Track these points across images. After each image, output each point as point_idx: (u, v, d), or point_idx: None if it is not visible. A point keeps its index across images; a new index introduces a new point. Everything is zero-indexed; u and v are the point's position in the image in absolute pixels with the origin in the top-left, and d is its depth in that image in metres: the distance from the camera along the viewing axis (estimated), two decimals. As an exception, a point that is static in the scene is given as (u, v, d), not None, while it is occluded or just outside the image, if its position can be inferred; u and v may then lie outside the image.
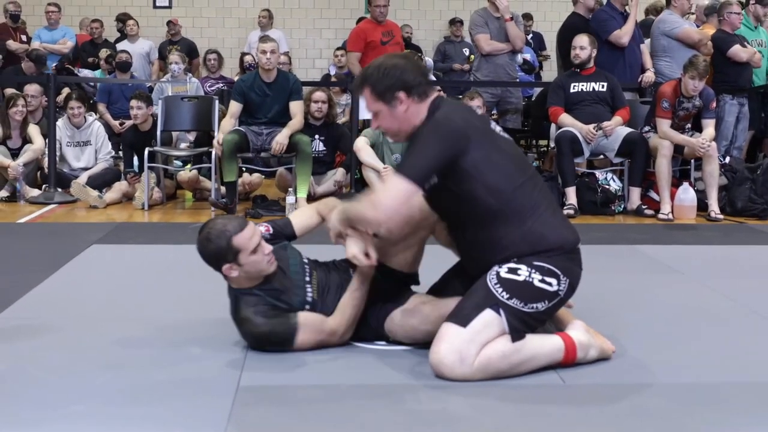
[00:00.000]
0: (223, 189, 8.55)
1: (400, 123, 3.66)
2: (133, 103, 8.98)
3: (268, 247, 3.76)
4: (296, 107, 8.38)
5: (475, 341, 3.45)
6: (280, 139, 8.13)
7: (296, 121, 8.33)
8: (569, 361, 3.60)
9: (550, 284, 3.56)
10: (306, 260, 3.98)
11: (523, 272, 3.54)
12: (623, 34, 8.94)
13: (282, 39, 13.71)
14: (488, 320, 3.48)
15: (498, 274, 3.55)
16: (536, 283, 3.54)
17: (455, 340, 3.46)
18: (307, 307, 3.82)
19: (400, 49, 9.92)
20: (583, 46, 8.48)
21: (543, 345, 3.57)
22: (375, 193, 3.60)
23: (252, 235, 3.70)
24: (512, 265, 3.56)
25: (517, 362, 3.50)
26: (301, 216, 4.14)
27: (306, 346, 3.77)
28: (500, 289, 3.51)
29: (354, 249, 3.70)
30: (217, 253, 3.70)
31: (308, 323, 3.76)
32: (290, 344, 3.74)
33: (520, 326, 3.51)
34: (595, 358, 3.66)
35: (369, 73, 3.67)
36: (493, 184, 3.54)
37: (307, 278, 3.89)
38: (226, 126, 8.32)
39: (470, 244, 3.71)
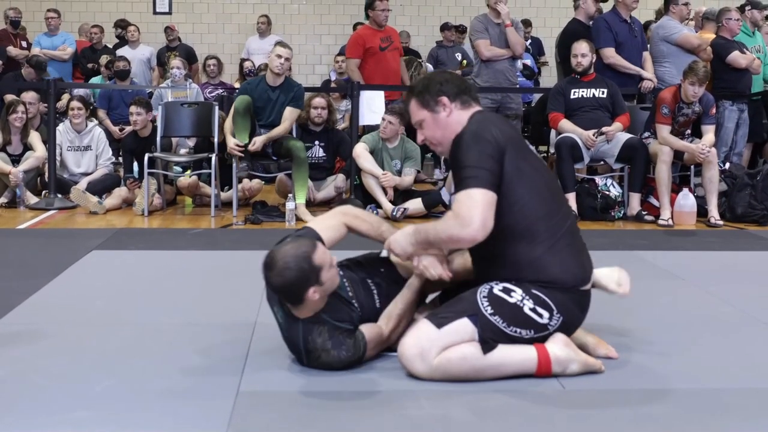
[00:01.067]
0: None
1: (443, 130, 3.69)
2: (133, 109, 8.99)
3: (335, 259, 3.65)
4: (290, 113, 8.38)
5: (439, 342, 3.50)
6: (258, 138, 8.20)
7: (282, 128, 8.32)
8: (543, 373, 3.56)
9: (540, 315, 3.55)
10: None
11: (516, 295, 3.54)
12: (609, 57, 8.94)
13: None
14: (461, 327, 3.50)
15: (491, 289, 3.56)
16: (526, 309, 3.53)
17: (422, 336, 3.52)
18: (356, 305, 3.77)
19: (399, 55, 9.93)
20: (584, 53, 8.48)
21: (512, 354, 3.54)
22: (456, 211, 3.48)
23: (325, 249, 3.60)
24: (508, 285, 3.56)
25: (481, 367, 3.50)
26: (328, 230, 3.88)
27: (370, 358, 3.74)
28: (486, 303, 3.52)
29: (437, 270, 3.67)
30: (302, 278, 3.50)
31: (373, 339, 3.69)
32: (362, 362, 3.68)
33: (495, 340, 3.51)
34: (577, 372, 3.60)
35: (414, 85, 3.85)
36: (520, 200, 3.54)
37: (349, 291, 3.81)
38: (229, 125, 8.32)
39: (479, 253, 3.70)
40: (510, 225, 3.53)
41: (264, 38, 13.66)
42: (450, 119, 3.67)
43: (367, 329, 3.70)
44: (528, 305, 3.53)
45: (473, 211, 3.41)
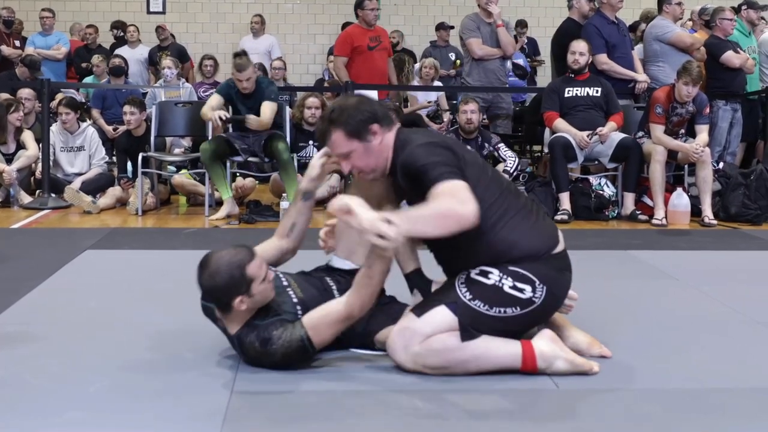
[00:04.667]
0: (217, 194, 8.54)
1: (376, 158, 3.61)
2: (126, 108, 8.97)
3: (271, 274, 3.63)
4: (266, 108, 8.23)
5: (421, 332, 3.51)
6: (221, 113, 8.14)
7: (262, 119, 8.21)
8: (528, 369, 3.55)
9: (522, 291, 3.54)
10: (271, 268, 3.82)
11: (494, 276, 3.53)
12: (602, 63, 8.93)
13: (275, 45, 13.71)
14: (440, 316, 3.50)
15: (468, 275, 3.56)
16: (506, 288, 3.53)
17: (406, 327, 3.55)
18: (299, 308, 3.70)
19: (388, 55, 9.94)
20: (582, 51, 8.50)
21: (495, 348, 3.54)
22: (446, 192, 3.29)
23: (261, 263, 3.57)
24: (485, 267, 3.56)
25: (462, 359, 3.51)
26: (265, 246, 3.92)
27: (327, 342, 3.64)
28: (464, 289, 3.53)
29: (383, 227, 3.15)
30: (230, 285, 3.50)
31: (316, 324, 3.58)
32: (312, 352, 3.62)
33: (478, 328, 3.50)
34: (564, 371, 3.57)
35: (335, 117, 3.58)
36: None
37: (284, 282, 3.81)
38: (211, 103, 8.31)
39: (444, 252, 3.71)
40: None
41: (258, 38, 13.65)
42: (382, 145, 3.59)
43: (307, 318, 3.60)
44: (507, 284, 3.53)
45: (464, 193, 3.30)
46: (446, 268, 3.76)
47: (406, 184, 3.58)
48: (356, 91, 9.03)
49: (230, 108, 8.36)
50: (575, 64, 8.50)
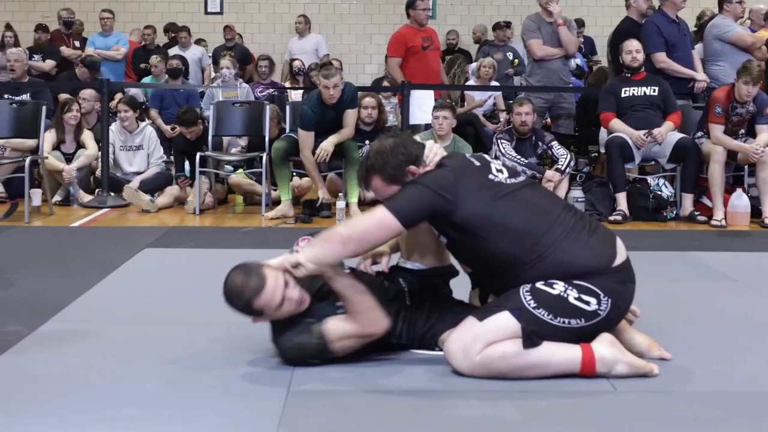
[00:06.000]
0: (274, 194, 8.57)
1: None
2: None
3: (295, 293, 3.62)
4: (349, 117, 8.27)
5: (482, 338, 3.49)
6: (326, 145, 8.06)
7: (347, 131, 8.23)
8: (587, 373, 3.53)
9: (587, 303, 3.52)
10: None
11: (559, 287, 3.51)
12: (661, 61, 8.83)
13: (321, 43, 13.73)
14: (503, 321, 3.49)
15: (533, 284, 3.54)
16: (571, 299, 3.51)
17: (466, 332, 3.54)
18: (340, 311, 3.72)
19: (439, 55, 9.93)
20: (638, 49, 8.43)
21: (555, 353, 3.52)
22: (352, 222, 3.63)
23: (274, 291, 3.57)
24: (550, 279, 3.54)
25: (522, 366, 3.49)
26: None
27: (348, 350, 3.66)
28: (529, 297, 3.51)
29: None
30: (242, 310, 3.66)
31: (337, 328, 3.63)
32: (326, 354, 3.64)
33: (541, 336, 3.48)
34: (625, 374, 3.55)
35: (371, 163, 3.71)
36: (508, 226, 3.55)
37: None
38: (309, 158, 8.22)
39: (497, 282, 3.72)
40: (511, 258, 3.56)
41: (303, 38, 13.70)
42: None
43: (331, 321, 3.65)
44: (572, 295, 3.51)
45: (366, 223, 3.61)
46: (475, 281, 3.82)
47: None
48: (412, 92, 9.03)
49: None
50: (634, 62, 8.42)
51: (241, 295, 3.59)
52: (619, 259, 3.63)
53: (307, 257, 3.54)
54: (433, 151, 3.73)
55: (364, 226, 3.58)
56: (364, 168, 3.76)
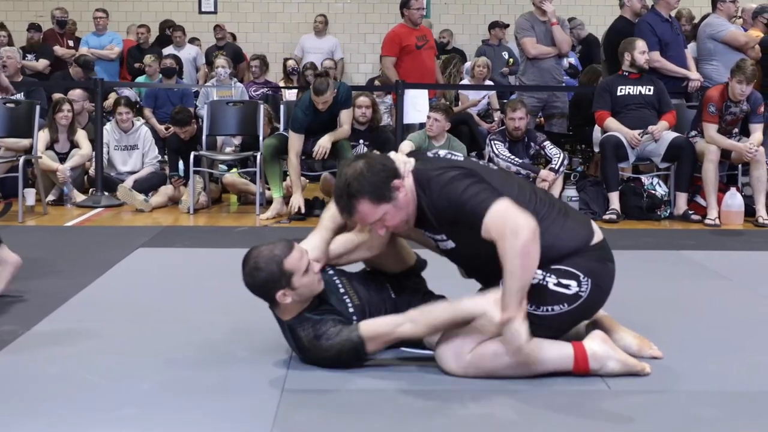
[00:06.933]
0: (268, 193, 8.57)
1: (407, 209, 3.59)
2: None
3: (316, 266, 3.65)
4: (345, 116, 8.24)
5: (471, 338, 3.50)
6: (323, 142, 8.06)
7: (342, 130, 8.21)
8: (580, 371, 3.54)
9: (567, 287, 3.53)
10: (330, 270, 3.86)
11: (538, 275, 3.50)
12: (654, 60, 8.84)
13: (337, 46, 13.83)
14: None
15: None
16: (551, 286, 3.51)
17: (454, 334, 3.54)
18: (355, 317, 3.71)
19: (434, 54, 9.92)
20: (644, 50, 8.42)
21: (547, 350, 3.53)
22: (501, 231, 3.34)
23: (301, 255, 3.58)
24: None
25: (515, 363, 3.48)
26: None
27: (378, 351, 3.67)
28: None
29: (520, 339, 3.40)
30: (269, 280, 3.55)
31: (375, 336, 3.59)
32: (362, 359, 3.64)
33: (529, 329, 3.44)
34: (617, 371, 3.56)
35: (354, 189, 3.48)
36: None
37: (341, 288, 3.81)
38: (293, 161, 8.19)
39: (484, 269, 3.68)
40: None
41: (321, 37, 13.73)
42: (408, 195, 3.56)
43: (366, 325, 3.62)
44: (551, 281, 3.51)
45: (509, 214, 3.36)
46: (485, 282, 3.74)
47: (446, 226, 3.60)
48: (406, 91, 9.03)
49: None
50: (647, 63, 8.43)
51: (271, 259, 3.55)
52: (596, 238, 3.65)
53: (514, 303, 3.36)
54: (403, 161, 3.65)
55: (506, 222, 3.36)
56: (345, 197, 3.51)
